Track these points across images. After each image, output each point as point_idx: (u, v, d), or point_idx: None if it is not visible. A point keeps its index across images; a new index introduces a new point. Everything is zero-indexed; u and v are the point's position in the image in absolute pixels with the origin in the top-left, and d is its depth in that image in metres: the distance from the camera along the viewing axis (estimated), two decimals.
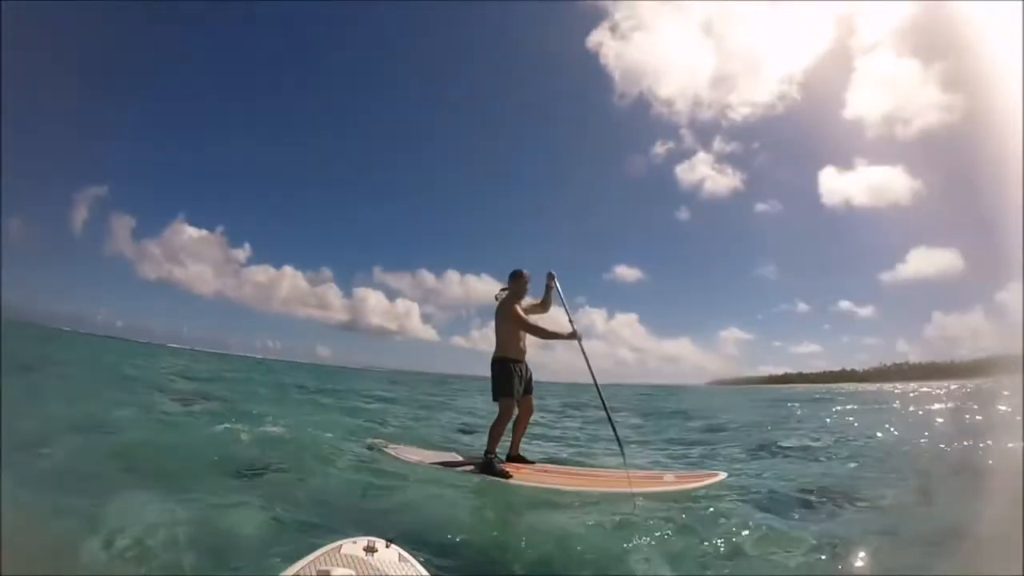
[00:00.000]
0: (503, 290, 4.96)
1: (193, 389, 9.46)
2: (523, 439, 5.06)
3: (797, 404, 15.97)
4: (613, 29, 79.13)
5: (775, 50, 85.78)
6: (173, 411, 6.75)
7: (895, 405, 14.21)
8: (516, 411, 4.82)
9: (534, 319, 4.87)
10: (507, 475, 4.41)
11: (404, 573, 1.45)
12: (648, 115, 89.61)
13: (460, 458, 4.99)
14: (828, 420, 10.58)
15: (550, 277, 5.00)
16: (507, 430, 4.83)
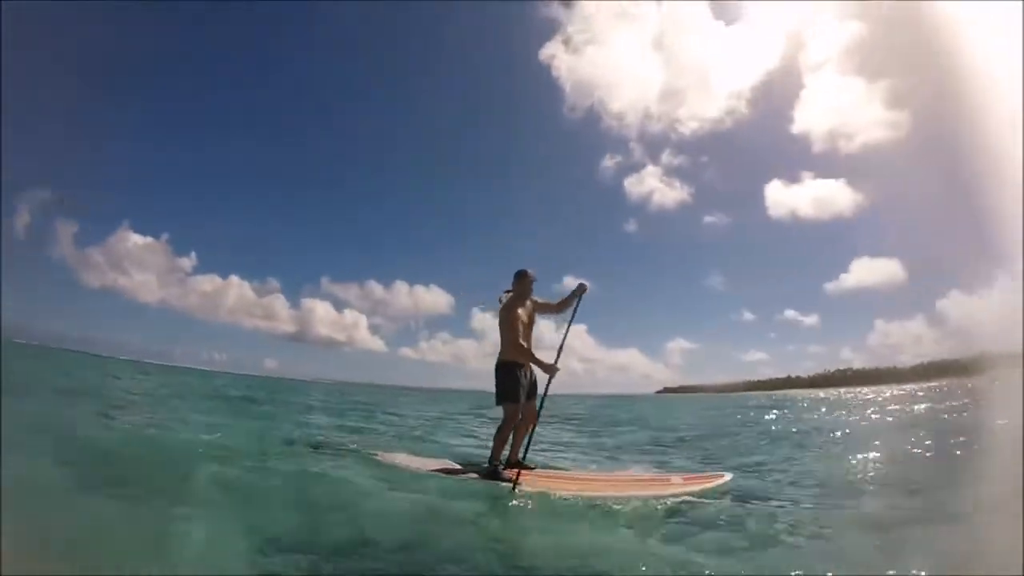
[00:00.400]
0: (507, 292, 5.01)
1: (139, 401, 9.01)
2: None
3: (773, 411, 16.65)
4: (566, 42, 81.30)
5: (725, 66, 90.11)
6: (113, 423, 6.44)
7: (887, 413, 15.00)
8: (520, 416, 4.85)
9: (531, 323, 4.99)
10: (513, 482, 4.45)
11: None
12: (598, 128, 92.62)
13: (458, 465, 4.99)
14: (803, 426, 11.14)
15: (582, 288, 4.99)
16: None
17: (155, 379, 17.90)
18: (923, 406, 14.24)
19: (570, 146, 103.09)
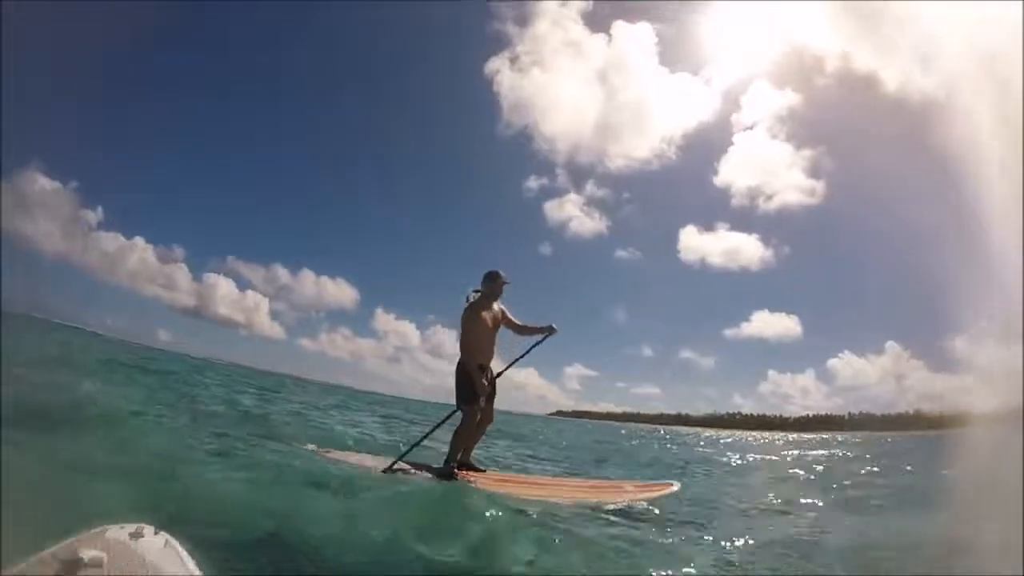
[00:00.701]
0: (475, 291, 5.00)
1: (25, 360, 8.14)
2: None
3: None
4: (513, 60, 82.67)
5: (662, 111, 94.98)
6: None
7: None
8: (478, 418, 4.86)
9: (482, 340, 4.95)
10: (467, 483, 4.49)
11: (163, 559, 1.45)
12: (528, 149, 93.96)
13: (408, 465, 4.91)
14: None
15: (551, 330, 5.06)
16: None
17: (42, 336, 16.16)
18: (819, 452, 15.70)
19: (497, 161, 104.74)
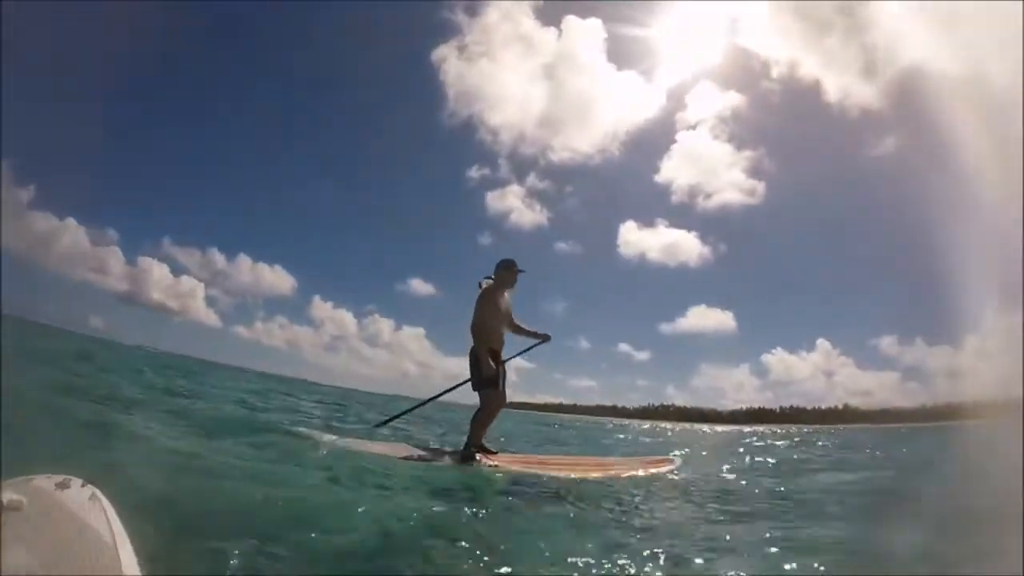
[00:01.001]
0: (487, 278, 5.14)
1: None
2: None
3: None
4: (461, 49, 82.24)
5: (607, 107, 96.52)
6: None
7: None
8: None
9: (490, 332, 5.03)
10: (490, 465, 4.65)
11: (86, 510, 1.45)
12: (472, 139, 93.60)
13: (422, 451, 5.06)
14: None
15: (547, 337, 5.30)
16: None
17: None
18: (763, 443, 16.62)
19: (440, 150, 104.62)
